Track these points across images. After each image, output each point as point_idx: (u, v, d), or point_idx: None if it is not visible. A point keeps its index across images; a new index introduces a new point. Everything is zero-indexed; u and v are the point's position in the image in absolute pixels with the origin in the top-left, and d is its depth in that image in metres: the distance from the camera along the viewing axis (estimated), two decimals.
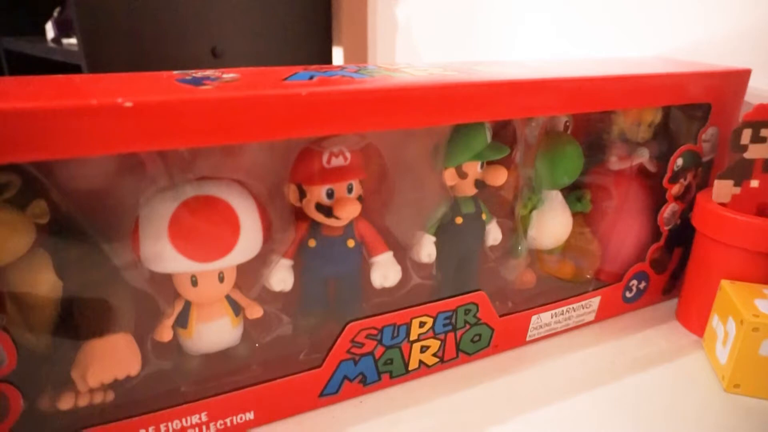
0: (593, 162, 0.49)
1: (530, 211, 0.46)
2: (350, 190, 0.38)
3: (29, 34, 1.28)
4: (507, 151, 0.40)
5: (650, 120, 0.48)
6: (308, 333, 0.40)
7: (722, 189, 0.45)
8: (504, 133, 0.42)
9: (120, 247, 0.34)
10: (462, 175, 0.41)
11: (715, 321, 0.44)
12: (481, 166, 0.41)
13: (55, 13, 1.16)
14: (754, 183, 0.44)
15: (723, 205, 0.45)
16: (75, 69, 0.82)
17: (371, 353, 0.38)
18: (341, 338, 0.37)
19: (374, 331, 0.38)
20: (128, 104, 0.25)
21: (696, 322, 0.47)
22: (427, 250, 0.42)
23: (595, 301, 0.48)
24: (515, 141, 0.43)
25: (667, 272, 0.51)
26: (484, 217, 0.43)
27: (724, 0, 0.53)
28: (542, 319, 0.45)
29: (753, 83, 0.49)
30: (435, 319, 0.40)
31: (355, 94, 0.31)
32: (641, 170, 0.49)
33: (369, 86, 0.32)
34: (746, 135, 0.43)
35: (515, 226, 0.46)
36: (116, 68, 0.80)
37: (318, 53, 0.98)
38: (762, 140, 0.43)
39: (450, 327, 0.41)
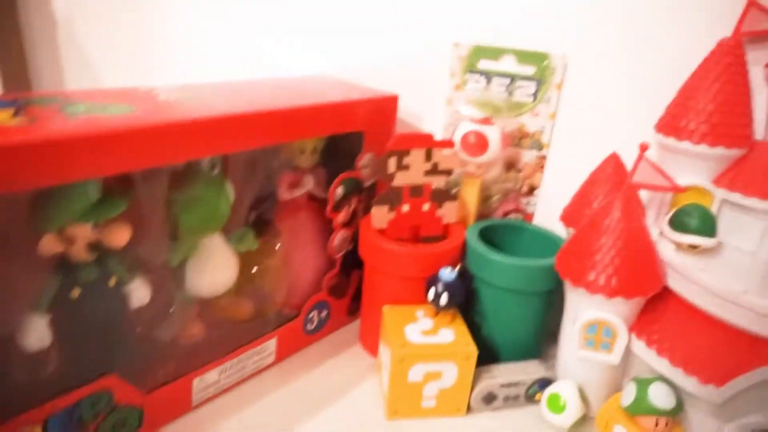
0: (258, 195, 0.45)
1: (181, 262, 0.40)
2: None
3: None
4: (122, 206, 0.34)
5: (313, 146, 0.47)
6: None
7: (379, 215, 0.46)
8: (120, 184, 0.35)
9: None
10: (68, 240, 0.33)
11: (382, 348, 0.44)
12: (95, 226, 0.34)
13: None
14: (406, 208, 0.46)
15: (381, 230, 0.46)
16: None
17: None
18: None
19: None
20: None
21: (373, 345, 0.48)
22: (36, 333, 0.33)
23: (271, 344, 0.45)
24: (132, 189, 0.36)
25: (348, 296, 0.51)
26: (112, 282, 0.36)
27: (381, 28, 0.54)
28: (207, 380, 0.41)
29: (406, 106, 0.51)
30: (46, 423, 0.32)
31: None
32: (311, 198, 0.48)
33: None
34: (392, 163, 0.44)
35: (169, 279, 0.41)
36: None
37: None
38: (406, 168, 0.44)
39: (78, 424, 0.33)
